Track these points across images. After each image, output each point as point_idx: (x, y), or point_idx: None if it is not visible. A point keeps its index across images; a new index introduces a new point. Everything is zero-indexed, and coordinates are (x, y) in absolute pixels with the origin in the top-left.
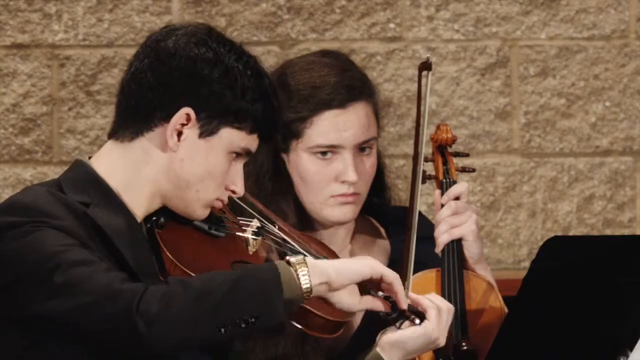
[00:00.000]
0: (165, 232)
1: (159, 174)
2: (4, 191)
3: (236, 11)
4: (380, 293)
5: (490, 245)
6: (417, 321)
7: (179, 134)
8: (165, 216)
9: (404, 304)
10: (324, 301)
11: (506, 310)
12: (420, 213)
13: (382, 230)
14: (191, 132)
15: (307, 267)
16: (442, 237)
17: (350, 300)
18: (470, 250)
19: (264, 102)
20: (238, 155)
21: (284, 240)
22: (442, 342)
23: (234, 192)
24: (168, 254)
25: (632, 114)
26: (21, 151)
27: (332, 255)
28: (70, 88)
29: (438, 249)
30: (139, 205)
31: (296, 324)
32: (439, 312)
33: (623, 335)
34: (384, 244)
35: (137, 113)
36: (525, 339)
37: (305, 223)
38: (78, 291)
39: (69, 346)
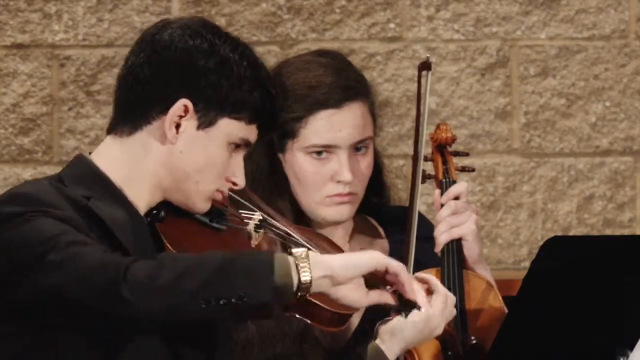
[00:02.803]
0: (166, 226)
1: (159, 167)
2: (4, 191)
3: (236, 11)
4: (388, 287)
5: (490, 245)
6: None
7: (177, 126)
8: (166, 210)
9: (411, 294)
10: (327, 296)
11: (506, 310)
12: (419, 213)
13: (381, 230)
14: (189, 124)
15: (308, 260)
16: (442, 236)
17: (357, 295)
18: (470, 250)
19: (262, 92)
20: (237, 146)
21: (287, 233)
22: (440, 330)
23: (234, 183)
24: (169, 247)
25: (632, 114)
26: (21, 151)
27: (337, 250)
28: (70, 88)
29: (438, 249)
30: (141, 199)
31: (302, 317)
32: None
33: (623, 335)
34: (383, 243)
35: (135, 107)
36: (525, 339)
37: (302, 223)
38: (70, 266)
39: (69, 335)
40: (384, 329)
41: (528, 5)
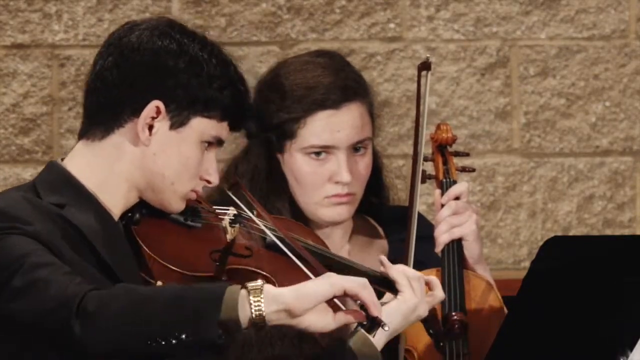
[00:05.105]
0: (142, 228)
1: (132, 170)
2: None
3: (236, 11)
4: (358, 302)
5: (490, 245)
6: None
7: (150, 127)
8: (141, 212)
9: (375, 312)
10: (296, 329)
11: (506, 310)
12: (419, 213)
13: (380, 230)
14: (162, 125)
15: (261, 294)
16: (442, 237)
17: (323, 321)
18: (471, 250)
19: (232, 89)
20: (210, 144)
21: (263, 226)
22: (423, 312)
23: (208, 182)
24: (146, 249)
25: (632, 114)
26: (21, 151)
27: (316, 239)
28: (70, 88)
29: (438, 249)
30: (117, 202)
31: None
32: (409, 281)
33: (623, 335)
34: (382, 243)
35: (106, 111)
36: (525, 339)
37: (301, 223)
38: (33, 294)
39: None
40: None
41: (528, 5)
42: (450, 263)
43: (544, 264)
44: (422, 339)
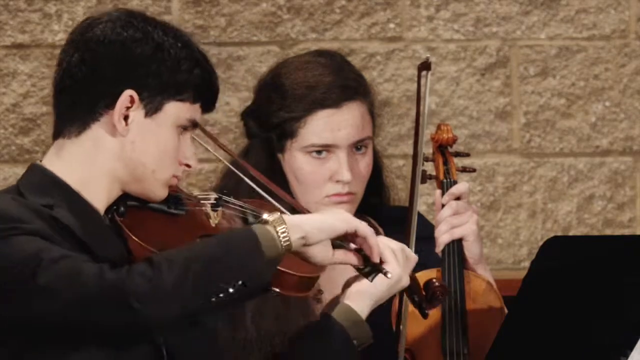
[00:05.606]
0: (128, 219)
1: (113, 162)
2: None
3: (236, 11)
4: (352, 245)
5: (490, 245)
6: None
7: (126, 117)
8: (125, 203)
9: (376, 257)
10: (297, 257)
11: (506, 310)
12: (419, 213)
13: (380, 230)
14: (137, 114)
15: (285, 223)
16: (443, 237)
17: (324, 254)
18: (471, 250)
19: (200, 69)
20: (185, 128)
21: (244, 207)
22: (405, 282)
23: (188, 166)
24: (135, 238)
25: (632, 114)
26: (21, 151)
27: None
28: None
29: (439, 249)
30: (101, 196)
31: (272, 288)
32: (393, 252)
33: (623, 336)
34: None
35: (79, 107)
36: (525, 339)
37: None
38: (65, 289)
39: (68, 350)
40: (353, 289)
41: (528, 5)
42: (451, 263)
43: (544, 264)
44: (422, 339)
